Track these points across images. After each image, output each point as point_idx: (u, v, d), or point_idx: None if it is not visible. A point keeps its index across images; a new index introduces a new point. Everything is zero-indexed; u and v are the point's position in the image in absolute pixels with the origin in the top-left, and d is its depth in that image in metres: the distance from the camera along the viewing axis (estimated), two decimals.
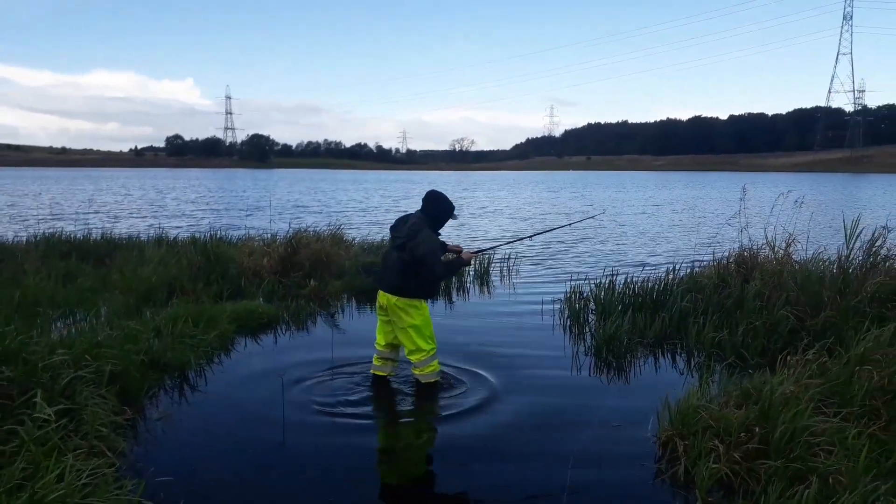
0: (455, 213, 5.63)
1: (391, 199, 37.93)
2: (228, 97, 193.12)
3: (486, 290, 10.34)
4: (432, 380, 5.49)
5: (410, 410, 5.26)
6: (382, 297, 5.45)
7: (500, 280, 11.04)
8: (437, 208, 5.51)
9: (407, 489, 4.04)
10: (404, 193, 45.38)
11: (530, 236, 7.73)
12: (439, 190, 5.64)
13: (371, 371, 5.74)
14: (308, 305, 8.47)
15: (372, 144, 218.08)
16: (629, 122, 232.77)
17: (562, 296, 8.73)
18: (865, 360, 4.89)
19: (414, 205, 24.08)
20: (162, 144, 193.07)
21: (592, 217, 12.13)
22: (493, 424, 4.92)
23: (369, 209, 29.75)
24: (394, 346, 5.63)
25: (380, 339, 5.64)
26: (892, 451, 3.91)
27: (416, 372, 5.49)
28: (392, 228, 5.56)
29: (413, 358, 5.43)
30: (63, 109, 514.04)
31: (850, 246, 7.42)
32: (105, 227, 15.37)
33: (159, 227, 15.23)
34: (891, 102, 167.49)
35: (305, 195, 41.29)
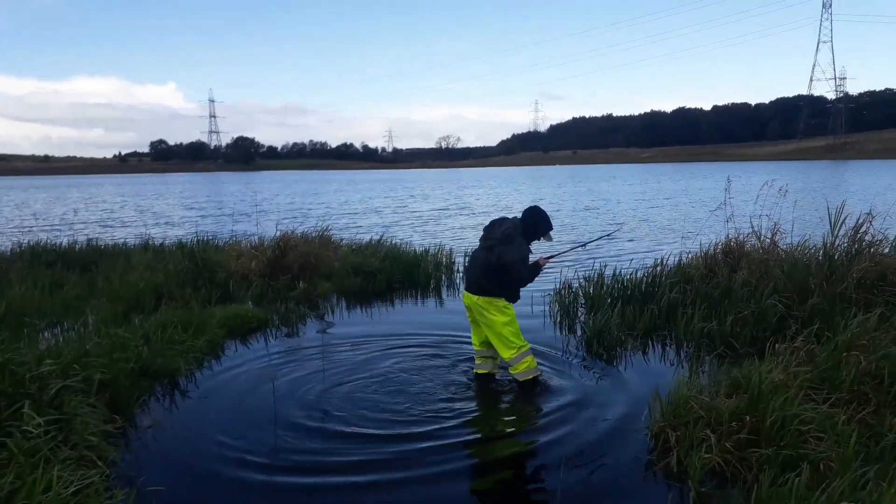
0: (550, 234, 5.66)
1: (396, 200, 36.41)
2: (212, 100, 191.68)
3: None
4: (530, 377, 5.46)
5: (401, 407, 5.21)
6: (466, 298, 5.51)
7: None
8: (536, 222, 5.56)
9: (400, 485, 4.02)
10: (407, 193, 43.98)
11: (582, 245, 7.53)
12: (541, 207, 5.66)
13: (474, 370, 5.80)
14: (298, 308, 8.44)
15: (358, 144, 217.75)
16: (614, 115, 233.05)
17: (552, 290, 8.75)
18: (853, 346, 4.93)
19: (417, 204, 23.98)
20: (146, 150, 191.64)
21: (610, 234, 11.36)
22: (483, 420, 4.93)
23: (372, 211, 28.39)
24: (489, 344, 5.62)
25: (474, 340, 5.73)
26: (881, 436, 3.94)
27: (512, 371, 5.48)
28: (485, 229, 5.55)
29: (505, 356, 5.42)
30: (45, 117, 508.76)
31: (835, 233, 7.47)
32: (94, 236, 15.17)
33: (146, 235, 15.07)
34: (872, 89, 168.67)
35: (306, 198, 39.94)
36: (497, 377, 5.77)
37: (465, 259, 11.35)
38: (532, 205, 5.70)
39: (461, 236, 17.34)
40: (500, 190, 46.66)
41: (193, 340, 6.48)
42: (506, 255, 5.24)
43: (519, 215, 5.65)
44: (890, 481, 3.16)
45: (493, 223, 5.54)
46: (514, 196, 37.63)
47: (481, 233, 5.63)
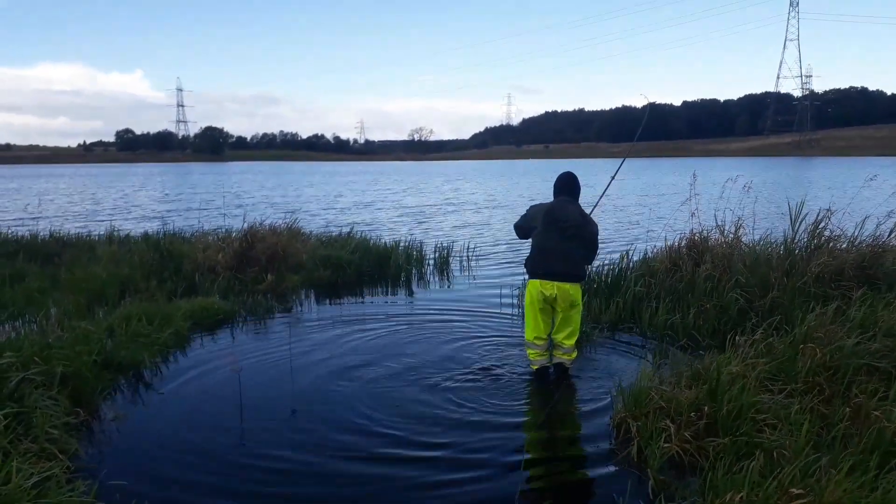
0: None
1: (388, 193, 35.52)
2: (180, 89, 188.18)
3: (446, 279, 10.39)
4: (571, 364, 5.68)
5: (363, 397, 5.21)
6: (552, 288, 5.34)
7: (461, 270, 11.09)
8: (579, 188, 5.68)
9: (362, 478, 4.04)
10: (398, 186, 42.59)
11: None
12: (570, 171, 5.76)
13: (535, 367, 5.63)
14: (265, 301, 8.40)
15: (329, 135, 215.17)
16: (586, 109, 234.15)
17: (521, 283, 8.81)
18: (809, 339, 5.07)
19: (411, 198, 22.34)
20: (112, 139, 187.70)
21: None
22: (449, 406, 4.98)
23: (361, 204, 27.38)
24: (548, 336, 5.64)
25: (542, 332, 5.56)
26: (833, 425, 4.07)
27: (566, 357, 5.59)
28: (558, 219, 5.41)
29: (569, 343, 5.53)
30: (8, 104, 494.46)
31: (796, 228, 7.68)
32: (57, 228, 14.83)
33: (111, 226, 14.81)
34: (837, 87, 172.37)
35: (297, 191, 38.32)
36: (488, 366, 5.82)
37: (435, 253, 11.39)
38: (566, 172, 5.72)
39: (465, 234, 16.38)
40: (491, 184, 45.72)
41: (158, 333, 6.41)
42: (591, 230, 5.47)
43: (540, 198, 5.73)
44: (838, 468, 3.27)
45: (555, 209, 5.46)
46: (513, 190, 37.14)
47: (529, 220, 5.64)
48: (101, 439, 4.49)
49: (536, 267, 5.46)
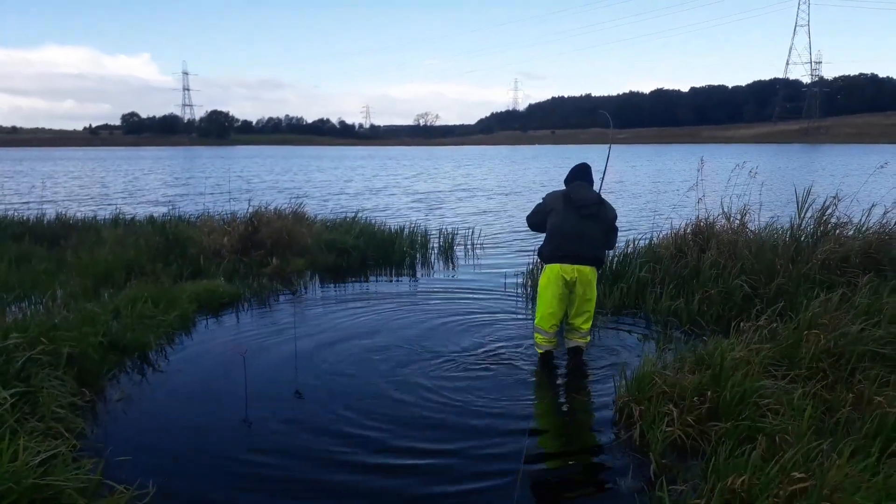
0: None
1: (399, 178, 35.12)
2: (186, 73, 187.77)
3: (450, 264, 10.39)
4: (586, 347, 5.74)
5: (367, 380, 5.24)
6: (573, 272, 5.28)
7: (465, 255, 11.09)
8: (591, 175, 5.66)
9: (367, 460, 4.06)
10: (411, 173, 41.18)
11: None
12: (585, 162, 5.77)
13: (541, 351, 5.59)
14: (270, 284, 8.42)
15: (335, 120, 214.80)
16: (593, 95, 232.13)
17: (524, 268, 8.82)
18: (813, 325, 5.06)
19: (416, 182, 22.70)
20: (118, 122, 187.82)
21: None
22: (450, 390, 4.99)
23: (373, 190, 27.09)
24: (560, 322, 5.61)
25: (557, 320, 5.50)
26: (836, 410, 4.07)
27: (583, 340, 5.62)
28: (576, 199, 5.35)
29: (587, 326, 5.54)
30: (13, 87, 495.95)
31: (802, 215, 7.65)
32: (63, 210, 14.86)
33: (117, 209, 14.84)
34: (846, 73, 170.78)
35: (309, 175, 37.88)
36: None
37: (440, 238, 11.38)
38: (581, 163, 5.71)
39: (480, 220, 16.06)
40: (501, 169, 45.18)
41: (164, 315, 6.45)
42: (610, 214, 5.48)
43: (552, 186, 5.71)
44: (840, 453, 3.28)
45: (572, 191, 5.43)
46: (524, 175, 37.04)
47: (545, 207, 5.53)
48: (106, 419, 4.53)
49: (556, 250, 5.37)
